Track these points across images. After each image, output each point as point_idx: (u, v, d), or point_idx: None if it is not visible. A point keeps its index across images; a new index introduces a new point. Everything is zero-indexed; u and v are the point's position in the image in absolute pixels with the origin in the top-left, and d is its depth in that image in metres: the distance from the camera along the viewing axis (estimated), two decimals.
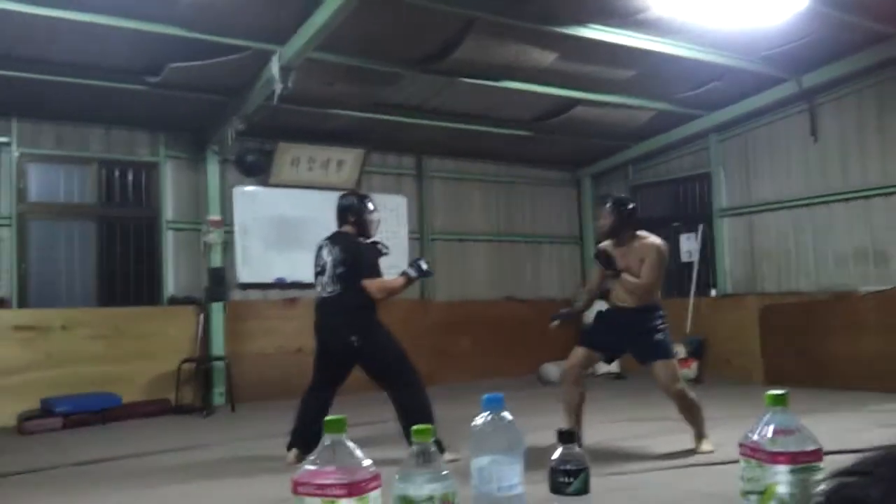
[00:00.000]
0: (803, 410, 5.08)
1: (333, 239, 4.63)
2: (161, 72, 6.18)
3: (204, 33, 5.61)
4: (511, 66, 6.66)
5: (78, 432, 6.00)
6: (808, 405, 5.47)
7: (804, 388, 6.68)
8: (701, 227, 8.80)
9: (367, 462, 1.17)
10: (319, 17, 5.23)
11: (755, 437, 1.31)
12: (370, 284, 4.43)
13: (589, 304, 5.17)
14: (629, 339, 4.61)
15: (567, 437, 1.44)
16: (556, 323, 4.96)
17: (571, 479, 1.37)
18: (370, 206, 4.73)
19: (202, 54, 5.96)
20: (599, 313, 4.96)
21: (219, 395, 7.36)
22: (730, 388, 7.47)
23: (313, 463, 1.17)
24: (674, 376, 4.49)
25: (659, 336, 4.52)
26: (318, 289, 4.59)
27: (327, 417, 1.21)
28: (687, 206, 9.20)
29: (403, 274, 4.54)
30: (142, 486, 4.11)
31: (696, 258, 8.73)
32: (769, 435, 1.29)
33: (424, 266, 4.56)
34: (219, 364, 7.38)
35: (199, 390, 7.24)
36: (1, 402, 6.38)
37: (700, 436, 4.50)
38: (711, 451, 4.31)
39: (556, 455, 1.42)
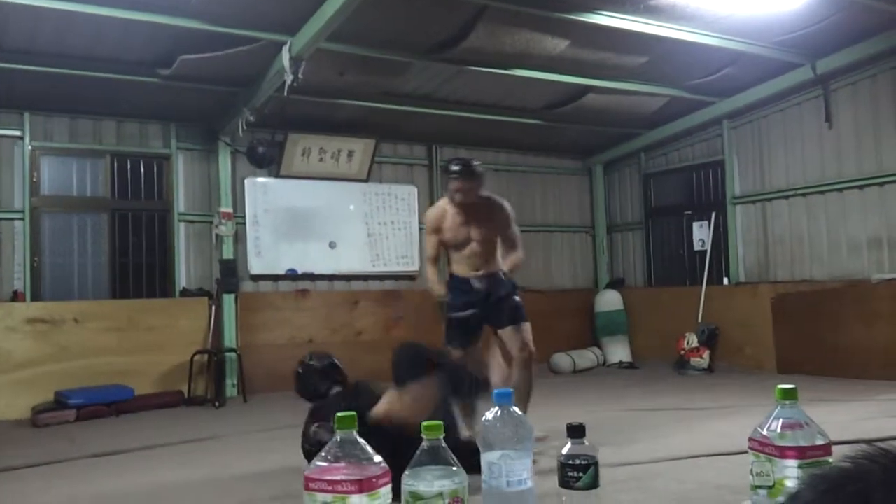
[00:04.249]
0: (815, 399, 5.11)
1: None
2: (172, 64, 6.19)
3: (215, 25, 5.60)
4: (522, 53, 6.63)
5: (91, 424, 6.04)
6: (819, 394, 5.45)
7: (816, 377, 6.67)
8: (713, 214, 8.75)
9: (377, 458, 1.17)
10: (329, 7, 5.22)
11: (764, 432, 1.31)
12: None
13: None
14: (488, 308, 4.42)
15: (576, 431, 1.44)
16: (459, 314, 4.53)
17: (580, 474, 1.38)
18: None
19: (213, 46, 5.96)
20: (449, 305, 4.54)
21: (231, 387, 7.41)
22: (742, 376, 7.47)
23: (324, 459, 1.17)
24: (530, 339, 4.36)
25: (517, 299, 4.45)
26: None
27: (338, 414, 1.21)
28: (700, 194, 9.14)
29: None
30: (152, 478, 4.15)
31: (708, 246, 8.69)
32: (778, 429, 1.29)
33: None
34: (231, 355, 7.42)
35: (211, 382, 7.28)
36: (15, 395, 6.45)
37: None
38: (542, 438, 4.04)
39: (565, 449, 1.42)
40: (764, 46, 6.75)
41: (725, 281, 8.60)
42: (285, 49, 5.86)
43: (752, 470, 1.33)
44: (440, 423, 1.22)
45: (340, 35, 5.76)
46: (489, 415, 1.40)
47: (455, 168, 4.38)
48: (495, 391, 1.41)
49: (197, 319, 7.44)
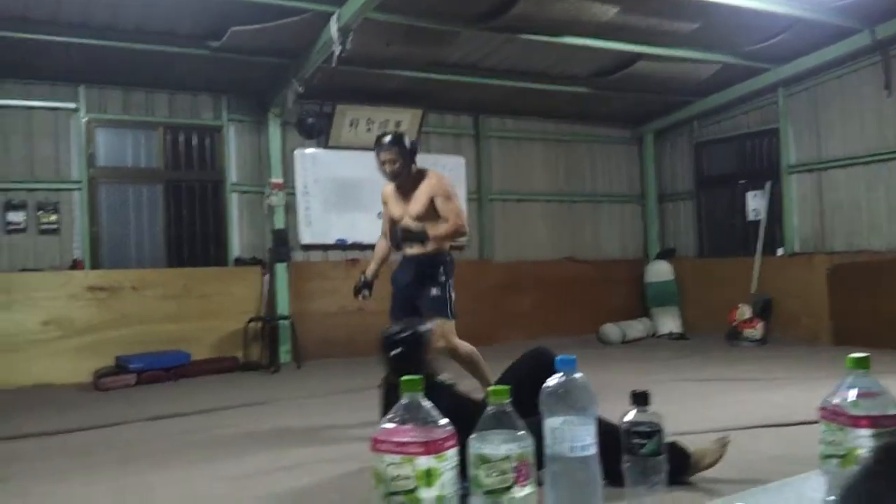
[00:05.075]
0: (872, 372, 5.00)
1: None
2: (223, 36, 6.24)
3: None
4: (571, 20, 6.52)
5: (151, 388, 6.22)
6: (877, 367, 5.33)
7: (874, 349, 6.51)
8: (768, 184, 8.56)
9: (443, 421, 1.19)
10: None
11: (836, 401, 1.29)
12: None
13: (381, 266, 4.81)
14: (415, 293, 4.39)
15: (640, 398, 1.44)
16: (364, 294, 4.69)
17: (645, 441, 1.38)
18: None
19: (262, 18, 5.99)
20: (392, 277, 4.64)
21: (285, 353, 7.53)
22: (796, 348, 7.34)
23: (391, 421, 1.19)
24: (441, 334, 4.17)
25: (435, 291, 4.32)
26: None
27: (404, 378, 1.23)
28: (753, 163, 8.94)
29: None
30: (211, 438, 4.27)
31: (763, 216, 8.50)
32: (850, 398, 1.27)
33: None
34: (284, 323, 7.55)
35: (265, 348, 7.42)
36: (78, 360, 6.66)
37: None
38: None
39: (629, 416, 1.42)
40: (821, 11, 6.53)
41: (780, 251, 8.42)
42: (333, 19, 5.86)
43: (822, 439, 1.31)
44: (506, 387, 1.23)
45: (388, 5, 5.74)
46: (551, 381, 1.40)
47: (380, 140, 4.43)
48: (557, 358, 1.41)
49: (250, 288, 7.57)
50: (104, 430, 4.62)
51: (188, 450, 4.03)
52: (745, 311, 8.04)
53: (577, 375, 1.39)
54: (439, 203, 4.33)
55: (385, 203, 4.62)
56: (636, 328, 8.91)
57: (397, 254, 4.66)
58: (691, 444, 2.95)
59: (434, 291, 4.33)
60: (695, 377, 5.85)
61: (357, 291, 4.72)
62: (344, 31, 5.87)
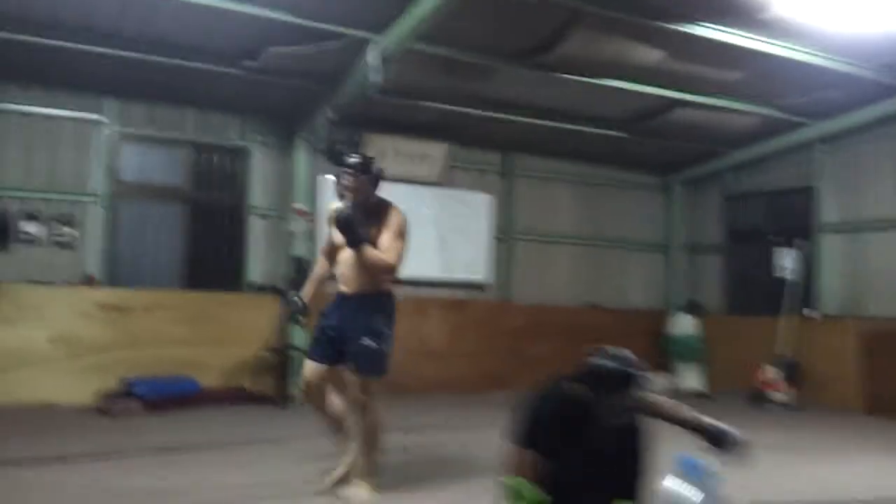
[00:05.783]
0: None
1: None
2: (256, 56, 6.09)
3: (304, 18, 5.49)
4: (614, 63, 6.37)
5: (156, 416, 5.99)
6: None
7: None
8: (801, 242, 8.28)
9: None
10: (424, 7, 5.05)
11: None
12: None
13: (315, 287, 4.16)
14: (346, 337, 3.78)
15: None
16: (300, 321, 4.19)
17: None
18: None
19: (299, 39, 5.85)
20: (321, 312, 4.02)
21: (295, 386, 7.27)
22: (827, 416, 7.04)
23: None
24: (362, 389, 3.74)
25: (368, 342, 3.72)
26: None
27: (512, 483, 1.00)
28: (786, 220, 8.70)
29: None
30: (213, 477, 4.06)
31: (794, 275, 8.20)
32: None
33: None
34: (297, 354, 7.29)
35: (276, 380, 7.15)
36: (84, 380, 6.42)
37: (366, 473, 3.77)
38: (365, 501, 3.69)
39: None
40: (870, 68, 6.37)
41: (811, 312, 8.12)
42: (375, 48, 5.72)
43: None
44: None
45: (429, 35, 5.60)
46: (670, 483, 1.17)
47: (349, 161, 3.81)
48: (683, 460, 1.18)
49: (265, 316, 7.31)
50: (106, 460, 4.41)
51: (188, 490, 3.82)
52: (771, 373, 7.74)
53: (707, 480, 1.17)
54: (387, 237, 3.76)
55: (331, 224, 3.92)
56: (658, 383, 8.60)
57: (332, 283, 4.05)
58: None
59: (367, 342, 3.73)
60: None
61: (295, 317, 4.23)
62: (384, 61, 5.73)
